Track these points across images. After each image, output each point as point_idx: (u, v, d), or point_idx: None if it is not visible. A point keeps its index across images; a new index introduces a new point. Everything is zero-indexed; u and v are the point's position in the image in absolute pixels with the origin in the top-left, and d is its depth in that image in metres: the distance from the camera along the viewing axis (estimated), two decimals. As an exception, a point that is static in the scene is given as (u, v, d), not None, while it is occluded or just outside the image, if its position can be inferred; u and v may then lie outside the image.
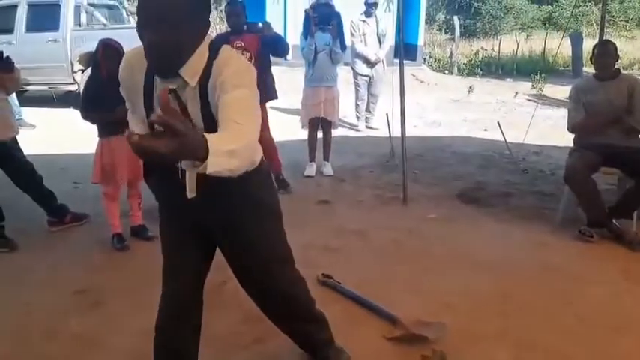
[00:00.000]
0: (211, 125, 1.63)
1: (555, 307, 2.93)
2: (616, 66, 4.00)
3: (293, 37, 13.40)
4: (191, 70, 1.64)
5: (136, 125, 1.88)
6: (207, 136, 1.30)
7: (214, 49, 1.67)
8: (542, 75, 11.76)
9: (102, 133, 3.68)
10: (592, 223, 3.82)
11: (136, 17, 1.62)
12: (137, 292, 3.12)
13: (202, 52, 1.65)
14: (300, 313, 2.18)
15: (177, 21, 1.55)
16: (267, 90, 4.82)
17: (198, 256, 1.99)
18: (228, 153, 1.35)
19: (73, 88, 9.22)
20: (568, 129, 4.10)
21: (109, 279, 3.30)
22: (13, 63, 3.68)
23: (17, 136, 3.94)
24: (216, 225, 1.93)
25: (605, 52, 3.97)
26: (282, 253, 2.06)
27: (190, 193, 1.71)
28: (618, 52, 4.01)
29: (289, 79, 9.81)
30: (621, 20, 22.82)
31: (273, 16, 15.75)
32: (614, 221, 3.83)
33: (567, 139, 4.27)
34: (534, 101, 10.14)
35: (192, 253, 1.97)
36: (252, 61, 4.58)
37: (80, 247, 3.79)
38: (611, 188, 4.36)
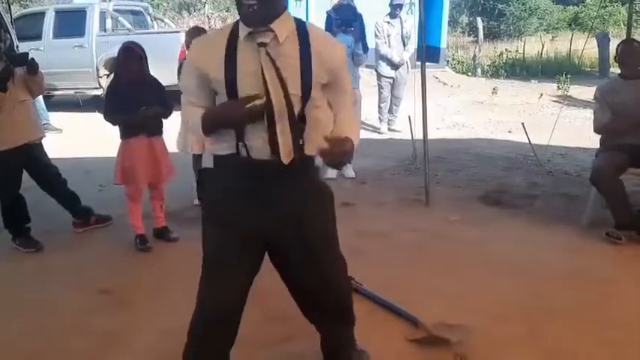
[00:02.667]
0: (306, 88, 1.78)
1: (584, 311, 2.86)
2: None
3: (315, 40, 13.48)
4: (281, 27, 1.76)
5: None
6: (348, 131, 1.85)
7: (295, 18, 1.84)
8: (568, 76, 11.57)
9: (123, 135, 3.73)
10: (620, 225, 3.73)
11: None
12: (160, 293, 3.15)
13: (288, 16, 1.80)
14: (343, 309, 2.15)
15: None
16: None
17: (249, 266, 1.92)
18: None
19: (99, 92, 9.35)
20: (594, 130, 4.02)
21: (133, 280, 3.34)
22: (37, 65, 3.75)
23: (43, 140, 4.02)
24: (283, 218, 1.88)
25: (630, 51, 3.89)
26: (337, 240, 2.08)
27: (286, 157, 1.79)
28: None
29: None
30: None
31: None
32: (643, 223, 3.74)
33: (593, 141, 4.19)
34: (560, 103, 9.98)
35: (244, 263, 1.90)
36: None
37: (104, 248, 3.84)
38: (640, 190, 4.26)
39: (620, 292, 3.07)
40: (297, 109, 1.79)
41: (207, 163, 2.01)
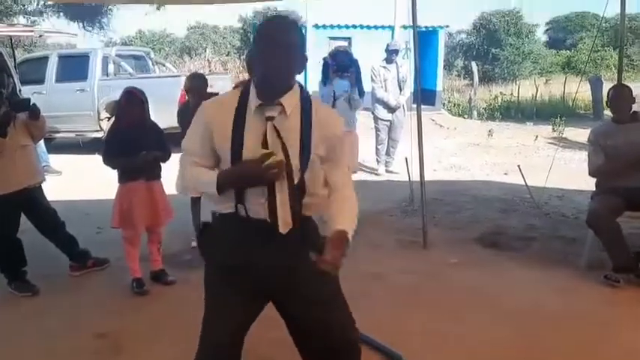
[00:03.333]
0: (305, 160, 1.84)
1: (582, 355, 2.84)
2: (634, 109, 3.99)
3: (313, 83, 13.70)
4: (289, 100, 1.82)
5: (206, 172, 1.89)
6: (341, 221, 1.82)
7: (302, 89, 1.89)
8: (563, 119, 11.72)
9: (121, 179, 3.76)
10: (618, 268, 3.73)
11: (259, 44, 1.81)
12: (156, 337, 3.12)
13: (296, 88, 1.86)
14: None
15: (296, 47, 1.80)
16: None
17: (249, 317, 1.97)
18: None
19: (99, 135, 9.45)
20: (589, 173, 4.07)
21: (129, 324, 3.31)
22: (39, 111, 3.81)
23: (43, 183, 4.04)
24: (281, 279, 1.90)
25: (620, 96, 3.97)
26: (340, 302, 2.02)
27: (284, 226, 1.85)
28: (634, 96, 4.01)
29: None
30: (641, 64, 22.80)
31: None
32: (640, 266, 3.74)
33: (590, 184, 4.22)
34: (555, 145, 10.08)
35: (244, 314, 1.95)
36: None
37: (101, 291, 3.82)
38: (637, 232, 4.27)
39: (619, 335, 3.05)
40: (296, 180, 1.84)
41: (206, 217, 2.03)
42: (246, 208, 1.84)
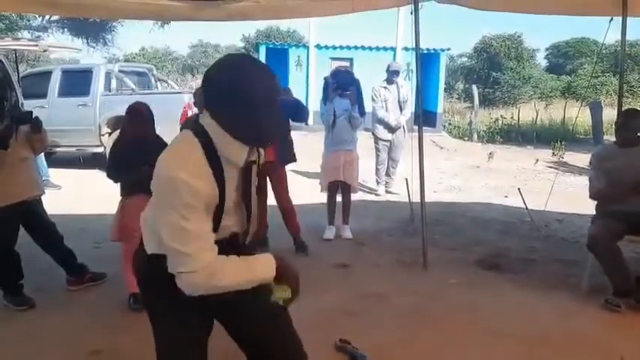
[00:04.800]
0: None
1: (583, 380, 2.80)
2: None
3: (315, 102, 13.77)
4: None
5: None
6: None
7: None
8: (563, 143, 11.76)
9: (123, 192, 3.75)
10: (619, 292, 3.70)
11: (250, 103, 1.64)
12: (152, 355, 3.07)
13: None
14: None
15: None
16: (286, 153, 4.91)
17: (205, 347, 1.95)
18: None
19: (100, 150, 9.47)
20: (590, 196, 4.06)
21: (125, 340, 3.26)
22: (42, 124, 3.82)
23: (42, 196, 4.03)
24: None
25: (632, 120, 3.96)
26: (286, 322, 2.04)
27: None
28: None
29: (310, 143, 9.94)
30: (640, 90, 22.96)
31: (295, 82, 16.28)
32: (642, 291, 3.71)
33: (590, 207, 4.21)
34: (555, 169, 10.10)
35: (204, 346, 1.94)
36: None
37: (97, 306, 3.78)
38: (638, 256, 4.25)
39: (621, 361, 3.01)
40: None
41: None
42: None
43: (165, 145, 3.87)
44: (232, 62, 1.70)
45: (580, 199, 6.52)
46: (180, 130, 4.62)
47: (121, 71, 10.23)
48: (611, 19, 4.93)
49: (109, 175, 3.70)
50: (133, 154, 3.65)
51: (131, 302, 3.69)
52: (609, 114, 14.51)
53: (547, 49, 33.64)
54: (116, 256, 3.88)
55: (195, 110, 4.85)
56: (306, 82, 16.81)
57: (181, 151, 1.70)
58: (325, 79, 5.63)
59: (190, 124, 2.00)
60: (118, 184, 3.76)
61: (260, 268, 1.73)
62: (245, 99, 1.64)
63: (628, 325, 3.50)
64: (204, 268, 1.62)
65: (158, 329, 1.91)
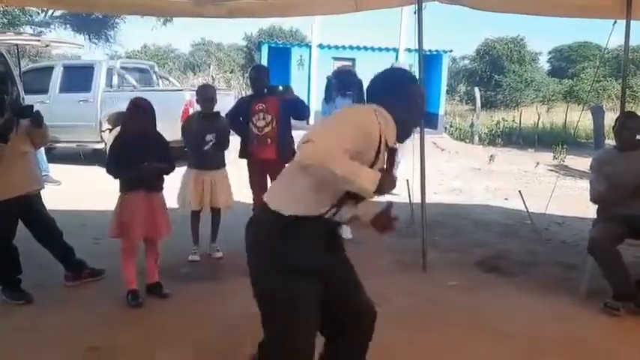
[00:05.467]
0: None
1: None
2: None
3: (316, 102, 13.75)
4: None
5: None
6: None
7: None
8: (564, 146, 11.75)
9: (123, 188, 3.74)
10: (618, 296, 3.69)
11: (417, 100, 2.23)
12: (150, 351, 3.07)
13: None
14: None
15: None
16: (287, 151, 4.89)
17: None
18: None
19: (100, 146, 9.46)
20: (591, 200, 4.05)
21: (123, 337, 3.26)
22: (42, 118, 3.80)
23: (42, 192, 4.02)
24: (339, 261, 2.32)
25: (630, 123, 3.95)
26: None
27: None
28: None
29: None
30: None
31: (297, 81, 16.28)
32: (641, 295, 3.70)
33: (591, 211, 4.20)
34: (556, 172, 10.09)
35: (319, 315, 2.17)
36: (274, 122, 4.69)
37: (95, 303, 3.77)
38: (638, 260, 4.24)
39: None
40: None
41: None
42: (339, 212, 2.10)
43: (165, 142, 3.90)
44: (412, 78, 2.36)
45: (581, 203, 6.53)
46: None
47: (122, 68, 10.23)
48: (615, 22, 4.91)
49: (109, 171, 3.67)
50: (133, 150, 3.65)
51: (129, 299, 3.68)
52: (611, 118, 14.48)
53: (550, 53, 33.62)
54: (115, 253, 3.87)
55: (198, 107, 4.82)
56: (307, 82, 16.79)
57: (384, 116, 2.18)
58: (328, 78, 5.63)
59: None
60: (118, 180, 3.75)
61: (365, 176, 1.91)
62: (412, 95, 2.23)
63: (627, 329, 3.49)
64: (324, 145, 1.87)
65: (284, 287, 2.06)
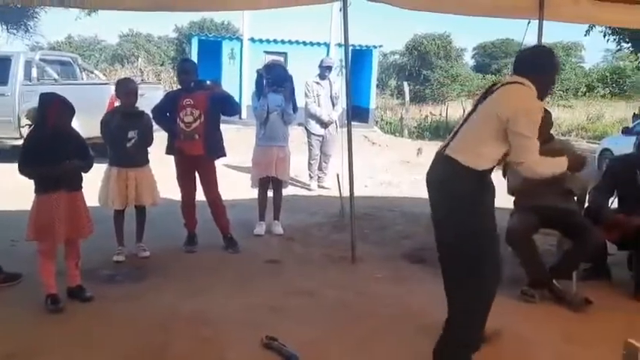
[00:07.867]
0: None
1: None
2: (552, 132, 4.20)
3: (248, 96, 13.64)
4: None
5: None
6: None
7: None
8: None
9: (39, 189, 3.56)
10: (533, 283, 3.90)
11: (555, 69, 3.08)
12: (70, 357, 2.96)
13: None
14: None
15: None
16: (216, 147, 4.83)
17: None
18: None
19: (19, 142, 8.96)
20: (508, 192, 4.25)
21: (41, 343, 3.12)
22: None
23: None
24: None
25: (544, 119, 4.17)
26: None
27: None
28: (553, 120, 4.23)
29: (243, 137, 9.87)
30: (559, 90, 24.28)
31: (229, 74, 16.06)
32: (554, 281, 3.92)
33: (508, 202, 4.40)
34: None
35: None
36: (202, 118, 4.62)
37: (11, 308, 3.57)
38: (551, 249, 4.49)
39: (533, 351, 3.18)
40: None
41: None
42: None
43: (81, 138, 3.74)
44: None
45: (499, 195, 6.81)
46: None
47: (42, 60, 9.75)
48: (529, 21, 5.16)
49: (22, 171, 3.47)
50: (48, 148, 3.48)
51: (49, 303, 3.52)
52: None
53: (474, 49, 34.92)
54: (34, 255, 3.68)
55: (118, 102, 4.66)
56: (239, 76, 16.62)
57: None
58: (258, 71, 5.56)
59: None
60: (32, 180, 3.56)
61: (558, 163, 2.88)
62: (553, 67, 3.04)
63: (542, 316, 3.69)
64: (534, 161, 2.75)
65: (485, 245, 2.75)
